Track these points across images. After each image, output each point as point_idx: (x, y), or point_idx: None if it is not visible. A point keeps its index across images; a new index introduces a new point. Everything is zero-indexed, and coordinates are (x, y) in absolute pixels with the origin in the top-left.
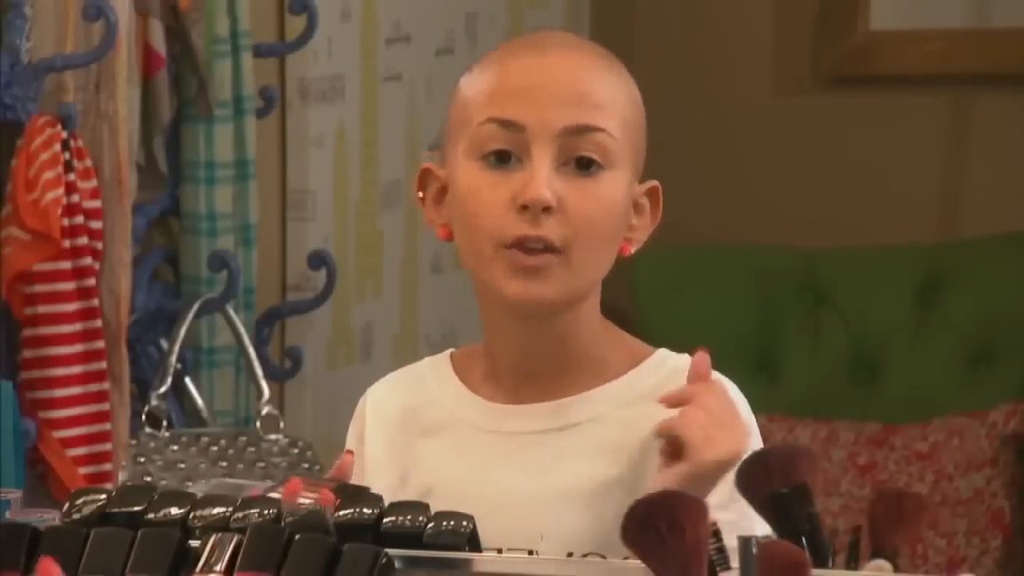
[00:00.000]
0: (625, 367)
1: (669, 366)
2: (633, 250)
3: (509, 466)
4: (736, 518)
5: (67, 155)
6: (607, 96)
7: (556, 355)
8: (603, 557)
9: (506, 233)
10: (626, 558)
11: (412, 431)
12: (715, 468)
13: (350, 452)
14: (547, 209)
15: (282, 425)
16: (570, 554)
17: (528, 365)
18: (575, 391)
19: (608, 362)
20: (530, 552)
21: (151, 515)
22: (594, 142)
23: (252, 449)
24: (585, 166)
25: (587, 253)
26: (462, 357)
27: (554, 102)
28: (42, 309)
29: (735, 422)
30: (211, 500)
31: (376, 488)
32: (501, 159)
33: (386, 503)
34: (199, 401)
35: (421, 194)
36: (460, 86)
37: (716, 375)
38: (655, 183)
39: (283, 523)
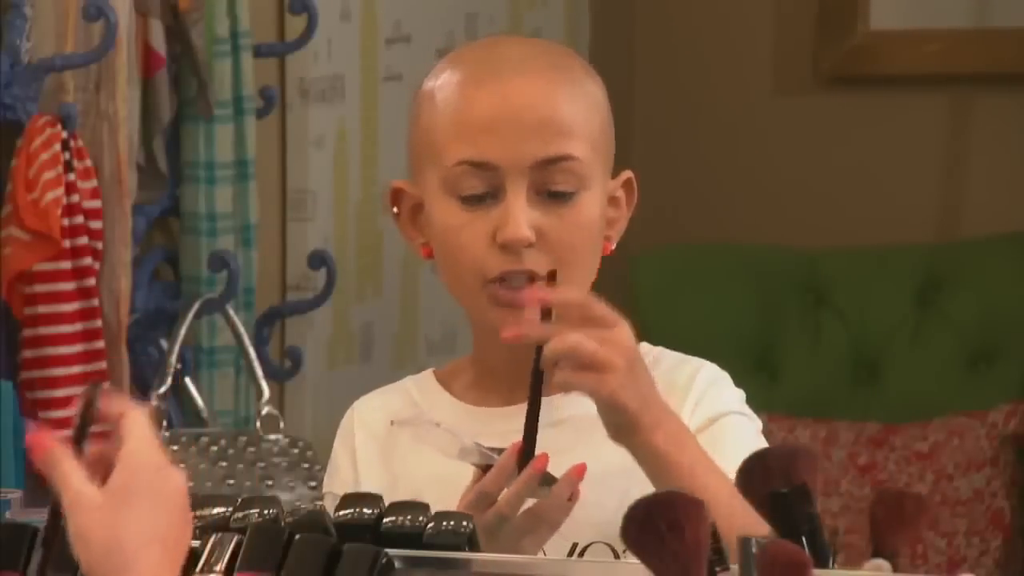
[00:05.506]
0: None
1: (650, 358)
2: (613, 246)
3: None
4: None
5: (67, 155)
6: (572, 115)
7: None
8: (610, 546)
9: (489, 269)
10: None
11: (401, 439)
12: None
13: (544, 454)
14: (528, 244)
15: (282, 425)
16: (575, 545)
17: (519, 368)
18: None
19: None
20: None
21: None
22: (566, 171)
23: (252, 449)
24: (559, 195)
25: (572, 275)
26: (444, 372)
27: (522, 135)
28: (42, 309)
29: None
30: (211, 500)
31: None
32: (477, 196)
33: None
34: (199, 401)
35: (396, 210)
36: (422, 105)
37: (701, 362)
38: (629, 174)
39: (283, 523)
